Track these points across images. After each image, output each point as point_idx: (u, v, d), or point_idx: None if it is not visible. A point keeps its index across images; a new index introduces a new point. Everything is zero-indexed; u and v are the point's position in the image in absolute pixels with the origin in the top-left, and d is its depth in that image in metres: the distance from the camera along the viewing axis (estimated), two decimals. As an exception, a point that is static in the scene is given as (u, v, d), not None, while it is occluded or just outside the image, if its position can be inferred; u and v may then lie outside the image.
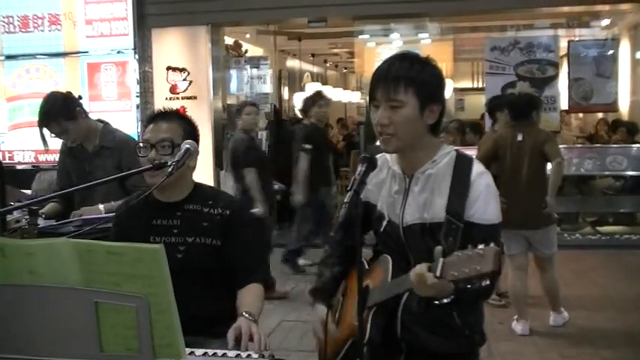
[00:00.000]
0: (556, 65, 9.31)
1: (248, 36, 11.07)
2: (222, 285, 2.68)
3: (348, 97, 16.68)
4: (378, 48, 13.94)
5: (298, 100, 14.19)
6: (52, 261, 1.82)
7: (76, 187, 3.34)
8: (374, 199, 2.29)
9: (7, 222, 2.96)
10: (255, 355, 2.14)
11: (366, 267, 2.32)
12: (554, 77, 9.25)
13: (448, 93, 14.15)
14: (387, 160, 2.27)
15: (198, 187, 2.78)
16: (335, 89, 16.48)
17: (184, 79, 9.04)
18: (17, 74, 9.31)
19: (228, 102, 9.76)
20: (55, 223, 3.31)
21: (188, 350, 2.17)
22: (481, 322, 2.26)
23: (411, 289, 1.96)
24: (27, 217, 3.03)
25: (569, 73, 9.62)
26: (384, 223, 2.23)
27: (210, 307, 2.61)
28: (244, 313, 2.44)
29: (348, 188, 2.04)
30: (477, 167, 2.14)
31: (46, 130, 3.66)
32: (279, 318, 5.95)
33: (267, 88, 10.14)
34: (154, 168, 2.45)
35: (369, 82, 2.17)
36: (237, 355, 2.15)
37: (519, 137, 5.34)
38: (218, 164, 9.26)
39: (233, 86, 9.90)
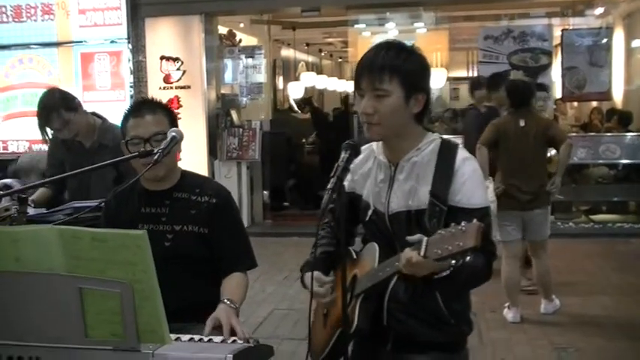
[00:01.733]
0: (549, 54, 9.32)
1: (242, 25, 11.03)
2: (210, 272, 2.70)
3: (343, 86, 16.66)
4: (373, 37, 13.92)
5: (293, 90, 14.23)
6: (37, 248, 1.83)
7: (69, 174, 3.33)
8: (359, 190, 2.30)
9: (-4, 210, 2.95)
10: (240, 341, 2.16)
11: (354, 257, 2.33)
12: (548, 66, 9.26)
13: (442, 82, 14.20)
14: (373, 150, 2.29)
15: (186, 175, 2.80)
16: (330, 79, 16.49)
17: (178, 69, 9.04)
18: (10, 64, 9.30)
19: (222, 91, 9.75)
20: (45, 212, 3.31)
21: (174, 336, 2.18)
22: (468, 311, 2.27)
23: (397, 272, 1.98)
24: (16, 205, 3.03)
25: (562, 61, 9.62)
26: (370, 212, 2.24)
27: (198, 293, 2.63)
28: (226, 300, 2.46)
29: (331, 175, 2.05)
30: (462, 153, 2.16)
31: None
32: (270, 306, 5.97)
33: (262, 77, 10.12)
34: (140, 156, 2.46)
35: (354, 71, 2.18)
36: (223, 341, 2.17)
37: (522, 123, 5.37)
38: (212, 153, 9.27)
39: (227, 76, 9.87)
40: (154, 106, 2.72)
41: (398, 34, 13.95)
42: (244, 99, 10.19)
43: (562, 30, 9.83)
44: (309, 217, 8.59)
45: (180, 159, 8.59)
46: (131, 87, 9.04)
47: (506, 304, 5.51)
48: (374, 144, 2.29)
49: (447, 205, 2.07)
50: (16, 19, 9.24)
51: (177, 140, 2.47)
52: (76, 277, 1.82)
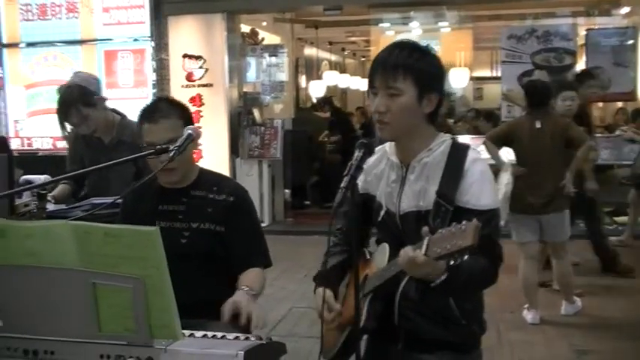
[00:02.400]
0: (573, 54, 9.23)
1: (265, 24, 11.06)
2: (225, 269, 2.71)
3: (366, 85, 16.62)
4: (396, 36, 13.90)
5: (315, 89, 14.23)
6: (51, 242, 1.85)
7: (87, 169, 3.35)
8: (373, 191, 2.31)
9: (16, 206, 2.99)
10: (253, 338, 2.16)
11: (367, 257, 2.34)
12: (572, 66, 9.17)
13: (465, 81, 14.11)
14: (386, 151, 2.29)
15: (204, 173, 2.81)
16: (353, 77, 16.48)
17: (200, 67, 9.09)
18: (35, 61, 9.42)
19: (245, 90, 9.79)
20: (65, 207, 3.34)
21: (188, 332, 2.20)
22: (480, 312, 2.26)
23: (401, 271, 1.98)
24: (36, 201, 3.06)
25: (586, 61, 9.52)
26: (382, 212, 2.25)
27: (213, 290, 2.63)
28: (243, 287, 2.47)
29: (345, 173, 2.05)
30: (472, 154, 2.15)
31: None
32: (289, 304, 5.98)
33: (284, 76, 10.15)
34: (155, 153, 2.47)
35: (369, 69, 2.18)
36: (237, 337, 2.18)
37: (537, 124, 5.31)
38: (234, 151, 9.31)
39: (249, 74, 9.91)
40: (168, 109, 2.71)
41: (421, 34, 13.95)
42: (266, 97, 10.23)
43: (586, 30, 9.74)
44: (330, 215, 8.49)
45: (201, 157, 8.74)
46: (154, 85, 9.10)
47: (526, 305, 5.47)
48: (387, 145, 2.29)
49: (454, 206, 2.06)
50: (42, 17, 9.35)
51: (192, 137, 2.48)
52: (89, 272, 1.83)
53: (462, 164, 2.11)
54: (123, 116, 3.91)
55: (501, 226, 5.16)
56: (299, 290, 6.36)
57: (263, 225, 9.03)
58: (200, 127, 8.62)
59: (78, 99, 3.64)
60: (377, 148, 2.32)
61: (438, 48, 15.53)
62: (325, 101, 12.46)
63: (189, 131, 2.48)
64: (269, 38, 11.11)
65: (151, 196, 2.75)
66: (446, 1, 9.75)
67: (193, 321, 2.39)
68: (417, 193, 2.15)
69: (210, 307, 2.56)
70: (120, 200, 2.92)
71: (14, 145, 9.48)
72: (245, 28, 10.25)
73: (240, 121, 9.45)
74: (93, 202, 3.26)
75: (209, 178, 2.80)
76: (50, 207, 3.21)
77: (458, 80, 13.82)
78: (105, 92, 8.80)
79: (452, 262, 1.81)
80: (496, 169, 5.59)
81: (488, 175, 2.14)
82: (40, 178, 3.89)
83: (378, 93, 2.12)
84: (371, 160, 2.29)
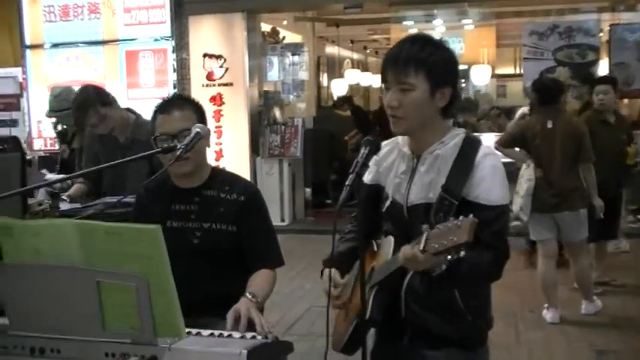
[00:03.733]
0: (597, 50, 9.12)
1: (285, 22, 11.07)
2: (237, 269, 2.70)
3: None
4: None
5: (337, 87, 14.22)
6: (56, 241, 1.87)
7: (100, 167, 3.37)
8: (383, 182, 2.30)
9: (30, 205, 3.02)
10: (259, 337, 2.16)
11: (375, 249, 2.33)
12: (595, 62, 9.07)
13: (487, 79, 14.01)
14: (397, 142, 2.28)
15: (216, 172, 2.81)
16: (375, 76, 16.42)
17: (221, 66, 9.12)
18: (58, 62, 9.51)
19: (265, 89, 9.81)
20: (79, 207, 3.37)
21: (196, 330, 2.21)
22: (486, 308, 2.23)
23: (402, 266, 1.98)
24: (49, 200, 3.09)
25: (610, 57, 9.40)
26: (387, 202, 2.24)
27: (224, 290, 2.63)
28: (247, 294, 2.46)
29: (350, 171, 2.04)
30: (484, 149, 2.12)
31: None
32: (308, 303, 5.97)
33: (305, 75, 10.15)
34: (163, 151, 2.48)
35: (381, 64, 2.17)
36: (242, 337, 2.18)
37: (549, 125, 5.24)
38: (254, 150, 9.33)
39: (270, 73, 9.92)
40: (182, 102, 2.74)
41: (444, 31, 13.89)
42: (287, 96, 10.23)
43: (610, 25, 9.61)
44: (351, 214, 8.50)
45: (222, 156, 8.75)
46: (174, 84, 9.15)
47: (545, 305, 5.42)
48: (399, 137, 2.27)
49: (460, 200, 2.03)
50: (64, 18, 9.44)
51: (201, 136, 2.47)
52: (93, 270, 1.85)
53: (472, 158, 2.09)
54: (137, 115, 3.94)
55: (524, 223, 5.23)
56: (317, 289, 6.29)
57: (283, 224, 9.18)
58: (220, 126, 8.65)
59: (95, 99, 3.68)
60: (387, 141, 2.32)
61: (461, 45, 15.55)
62: (344, 100, 12.42)
63: (198, 129, 2.48)
64: (290, 37, 11.11)
65: (164, 195, 2.75)
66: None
67: (204, 320, 2.41)
68: (427, 185, 2.13)
69: (223, 305, 2.55)
70: (132, 199, 2.95)
71: (37, 145, 9.60)
72: (266, 27, 10.26)
73: (261, 120, 9.47)
74: (105, 200, 3.27)
75: (221, 177, 2.79)
76: (64, 206, 3.23)
77: (480, 77, 13.73)
78: (126, 92, 9.02)
79: (449, 258, 1.81)
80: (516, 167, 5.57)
81: (499, 171, 2.11)
82: (57, 178, 3.94)
83: (391, 88, 2.11)
84: (383, 151, 2.29)
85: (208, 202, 2.70)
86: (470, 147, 2.12)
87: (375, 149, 2.10)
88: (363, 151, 2.08)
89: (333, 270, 2.26)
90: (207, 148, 2.74)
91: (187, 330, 2.22)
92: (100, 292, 1.86)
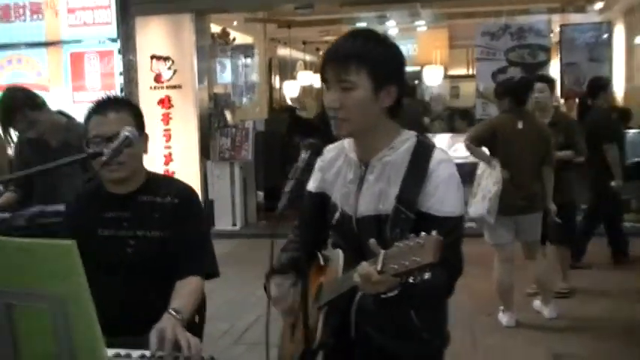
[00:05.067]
0: (548, 50, 9.12)
1: (235, 23, 10.87)
2: (174, 279, 2.52)
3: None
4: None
5: (289, 89, 14.04)
6: (-41, 259, 1.66)
7: (28, 171, 3.12)
8: (329, 190, 2.12)
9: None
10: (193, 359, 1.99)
11: (322, 263, 2.16)
12: (546, 62, 9.07)
13: (439, 79, 14.00)
14: (344, 147, 2.11)
15: (152, 176, 2.63)
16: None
17: (169, 68, 8.89)
18: (0, 65, 9.15)
19: (215, 91, 9.59)
20: (6, 216, 3.15)
21: (124, 351, 2.03)
22: (442, 323, 2.08)
23: (356, 286, 1.79)
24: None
25: (561, 58, 9.42)
26: (337, 214, 2.06)
27: (161, 304, 2.45)
28: (171, 310, 2.26)
29: (290, 177, 1.88)
30: (439, 155, 1.94)
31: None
32: (259, 311, 5.78)
33: (255, 76, 9.95)
34: (90, 157, 2.29)
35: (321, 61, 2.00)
36: (175, 358, 2.01)
37: (520, 125, 5.15)
38: (205, 154, 9.11)
39: (220, 75, 9.71)
40: (118, 103, 2.56)
41: (398, 32, 13.85)
42: (239, 99, 10.04)
43: (560, 25, 9.65)
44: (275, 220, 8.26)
45: (172, 159, 8.46)
46: (122, 87, 8.89)
47: (501, 308, 5.33)
48: (345, 140, 2.11)
49: (415, 212, 1.87)
50: (5, 19, 9.09)
51: (130, 140, 2.29)
52: (3, 291, 1.65)
53: (426, 165, 1.92)
54: (70, 118, 3.73)
55: (490, 225, 5.08)
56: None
57: (235, 228, 8.97)
58: (169, 130, 8.37)
59: (23, 103, 3.46)
60: (332, 145, 2.15)
61: (414, 47, 15.55)
62: (286, 109, 12.18)
63: (127, 133, 2.29)
64: (241, 38, 10.91)
65: (96, 202, 2.57)
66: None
67: (139, 337, 2.22)
68: (376, 195, 1.96)
69: (157, 320, 2.39)
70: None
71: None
72: (216, 29, 10.05)
73: (211, 123, 9.25)
74: (36, 210, 3.05)
75: (157, 181, 2.61)
76: (-7, 216, 3.01)
77: (433, 79, 13.72)
78: (72, 95, 8.72)
79: (411, 280, 1.60)
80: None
81: (454, 179, 1.94)
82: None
83: (331, 87, 1.94)
84: (328, 156, 2.13)
85: (143, 209, 2.52)
86: (423, 152, 1.94)
87: (316, 153, 1.94)
88: (304, 155, 1.92)
89: (276, 277, 2.07)
90: (143, 153, 2.55)
91: (116, 351, 2.05)
92: (10, 317, 1.66)
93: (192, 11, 8.87)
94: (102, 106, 2.53)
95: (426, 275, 1.57)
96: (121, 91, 8.85)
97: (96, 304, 2.49)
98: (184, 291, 2.43)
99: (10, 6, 9.04)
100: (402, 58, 1.97)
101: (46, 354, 1.67)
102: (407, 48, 14.78)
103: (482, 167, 5.29)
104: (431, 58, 15.14)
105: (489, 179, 5.15)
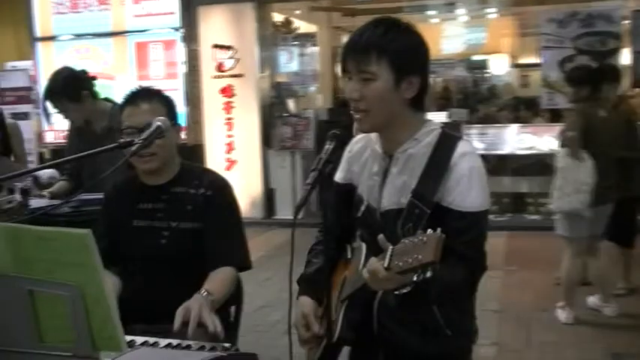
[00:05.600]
0: (618, 37, 8.77)
1: (298, 12, 10.85)
2: (206, 271, 2.52)
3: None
4: (441, 24, 13.59)
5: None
6: (-18, 246, 1.70)
7: (68, 158, 3.17)
8: (356, 182, 2.09)
9: (-1, 203, 2.86)
10: (219, 349, 1.98)
11: (349, 256, 2.13)
12: (617, 50, 8.72)
13: (504, 68, 13.66)
14: (370, 139, 2.07)
15: (185, 167, 2.64)
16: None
17: (231, 57, 8.94)
18: (68, 54, 9.40)
19: (277, 80, 9.62)
20: (50, 204, 3.21)
21: (152, 339, 2.04)
22: (468, 320, 2.01)
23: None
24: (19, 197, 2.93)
25: (633, 45, 9.04)
26: (362, 207, 2.02)
27: (194, 292, 2.46)
28: (202, 291, 2.29)
29: (312, 168, 1.85)
30: (462, 147, 1.88)
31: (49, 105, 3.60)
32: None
33: (317, 65, 9.93)
34: (120, 147, 2.30)
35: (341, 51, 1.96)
36: (201, 347, 2.00)
37: (602, 113, 5.00)
38: (266, 143, 9.15)
39: (282, 64, 9.73)
40: (150, 94, 2.58)
41: (468, 20, 13.59)
42: (301, 87, 10.04)
43: (632, 11, 9.25)
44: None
45: (233, 148, 8.53)
46: (185, 76, 9.00)
47: (560, 304, 5.17)
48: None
49: (434, 207, 1.81)
50: (74, 10, 9.32)
51: (161, 130, 2.29)
52: (24, 278, 1.68)
53: (448, 158, 1.86)
54: (114, 104, 3.78)
55: (573, 218, 4.90)
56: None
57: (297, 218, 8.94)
58: (231, 118, 8.42)
59: (62, 91, 3.55)
60: (360, 136, 2.12)
61: (484, 35, 15.22)
62: (342, 103, 12.15)
63: (159, 123, 2.30)
64: (305, 27, 10.90)
65: (132, 193, 2.60)
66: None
67: (168, 326, 2.23)
68: (399, 188, 1.92)
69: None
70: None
71: (49, 138, 9.52)
72: (279, 17, 10.07)
73: (273, 112, 9.28)
74: (81, 198, 3.10)
75: (191, 172, 2.62)
76: (37, 203, 3.07)
77: (499, 67, 13.45)
78: (137, 84, 8.88)
79: (415, 278, 1.56)
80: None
81: (478, 172, 1.87)
82: (47, 173, 3.79)
83: (352, 78, 1.90)
84: (356, 147, 2.10)
85: (176, 200, 2.53)
86: (446, 145, 1.88)
87: (341, 145, 1.90)
88: (328, 146, 1.89)
89: (308, 308, 2.07)
90: (175, 144, 2.56)
91: (144, 339, 2.07)
92: (33, 302, 1.70)
93: (253, 0, 8.89)
94: (134, 97, 2.55)
95: (429, 273, 1.54)
96: (184, 79, 8.96)
97: (131, 292, 2.55)
98: (217, 277, 2.44)
99: (78, -4, 9.27)
100: (425, 48, 1.91)
101: (66, 338, 1.70)
102: (476, 36, 14.50)
103: (564, 160, 5.03)
104: (500, 46, 14.79)
105: (581, 172, 4.93)
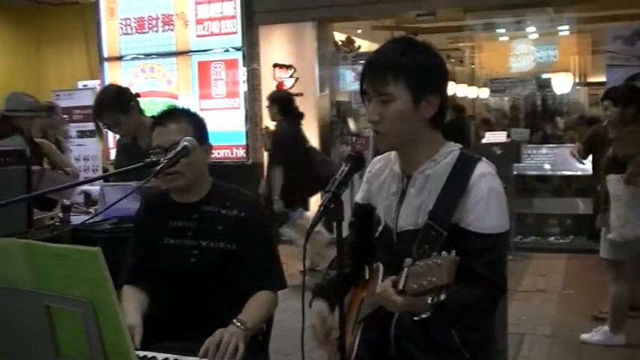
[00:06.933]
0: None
1: (360, 31, 10.88)
2: (236, 290, 2.54)
3: (474, 93, 16.16)
4: (511, 42, 13.42)
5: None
6: (3, 262, 1.76)
7: (105, 174, 3.26)
8: (375, 202, 2.08)
9: (42, 219, 2.95)
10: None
11: (367, 277, 2.12)
12: (688, 69, 8.43)
13: (574, 86, 13.34)
14: (390, 159, 2.06)
15: (217, 186, 2.66)
16: (459, 85, 16.00)
17: (291, 76, 9.02)
18: (134, 74, 9.66)
19: (338, 99, 9.65)
20: (91, 220, 3.29)
21: (173, 357, 2.07)
22: (488, 343, 1.98)
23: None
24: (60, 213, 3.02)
25: None
26: (380, 227, 2.01)
27: (220, 312, 2.48)
28: (235, 321, 2.30)
29: (327, 189, 1.85)
30: (481, 168, 1.86)
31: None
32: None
33: (378, 84, 9.91)
34: (145, 166, 2.34)
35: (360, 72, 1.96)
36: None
37: None
38: (325, 161, 9.16)
39: (342, 83, 9.76)
40: (178, 114, 2.62)
41: (539, 38, 13.36)
42: (361, 106, 10.04)
43: None
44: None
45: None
46: (245, 95, 9.13)
47: (603, 328, 4.98)
48: (392, 152, 2.06)
49: (451, 228, 1.79)
50: (139, 31, 9.59)
51: (188, 150, 2.33)
52: (41, 293, 1.73)
53: (466, 179, 1.84)
54: None
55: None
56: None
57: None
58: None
59: (112, 104, 3.66)
60: (380, 156, 2.11)
61: (555, 52, 14.92)
62: None
63: (185, 143, 2.34)
64: (367, 46, 10.91)
65: (162, 211, 2.63)
66: (544, 2, 9.15)
67: (196, 344, 2.25)
68: (416, 209, 1.90)
69: (218, 328, 2.42)
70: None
71: (113, 155, 9.76)
72: (340, 36, 10.11)
73: (332, 131, 9.31)
74: (120, 214, 3.17)
75: (222, 191, 2.64)
76: (74, 220, 3.15)
77: (561, 86, 13.20)
78: (198, 103, 9.06)
79: (430, 301, 1.55)
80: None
81: (496, 194, 1.85)
82: (97, 189, 3.90)
83: (371, 100, 1.90)
84: (376, 167, 2.10)
85: (207, 219, 2.55)
86: (464, 166, 1.86)
87: (356, 166, 1.90)
88: (343, 167, 1.89)
89: (321, 306, 2.05)
90: (205, 163, 2.59)
91: (165, 356, 2.10)
92: (50, 317, 1.74)
93: (314, 20, 8.97)
94: (163, 118, 2.60)
95: (442, 296, 1.51)
96: (245, 98, 9.08)
97: (159, 309, 2.58)
98: (256, 302, 2.47)
99: (144, 18, 9.53)
100: (443, 67, 1.90)
101: (82, 354, 1.73)
102: (547, 54, 14.24)
103: (619, 187, 4.87)
104: (570, 63, 14.49)
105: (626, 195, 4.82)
